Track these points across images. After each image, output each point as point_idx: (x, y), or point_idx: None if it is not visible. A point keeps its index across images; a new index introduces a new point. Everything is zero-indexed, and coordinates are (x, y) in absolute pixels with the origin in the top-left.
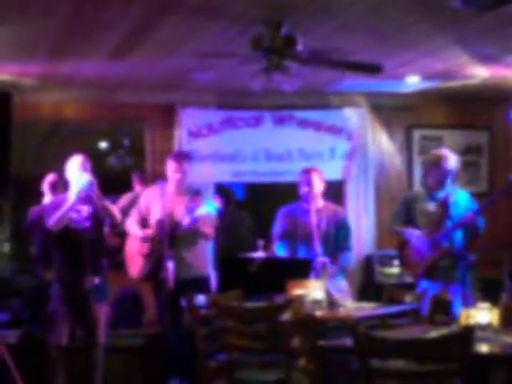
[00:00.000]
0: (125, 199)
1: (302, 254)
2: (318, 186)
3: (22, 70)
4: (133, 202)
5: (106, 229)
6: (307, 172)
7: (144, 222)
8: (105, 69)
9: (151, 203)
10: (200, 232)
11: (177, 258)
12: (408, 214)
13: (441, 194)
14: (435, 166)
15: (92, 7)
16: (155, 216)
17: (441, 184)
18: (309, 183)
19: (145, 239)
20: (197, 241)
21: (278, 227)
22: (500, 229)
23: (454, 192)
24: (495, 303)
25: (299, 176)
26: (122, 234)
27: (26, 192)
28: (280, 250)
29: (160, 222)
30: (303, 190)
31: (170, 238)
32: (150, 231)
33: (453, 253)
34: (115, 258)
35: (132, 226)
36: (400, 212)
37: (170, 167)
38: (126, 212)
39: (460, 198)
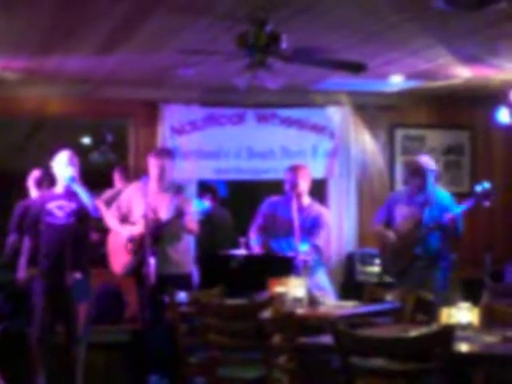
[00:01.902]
0: (107, 195)
1: (280, 248)
2: (303, 185)
3: (6, 64)
4: (114, 198)
5: (90, 224)
6: (293, 170)
7: (123, 218)
8: (89, 64)
9: (133, 200)
10: (185, 227)
11: (160, 254)
12: (389, 214)
13: (420, 198)
14: (415, 172)
15: (78, 3)
16: (137, 213)
17: (421, 188)
18: (293, 181)
19: (131, 239)
20: (181, 237)
21: (257, 220)
22: (481, 229)
23: (434, 193)
24: (476, 303)
25: (285, 173)
26: (102, 230)
27: (9, 187)
28: (254, 244)
29: (143, 218)
30: (287, 187)
31: (154, 234)
32: (135, 232)
33: (427, 255)
34: (96, 253)
35: (112, 221)
36: (382, 212)
37: (151, 163)
38: (107, 207)
39: (440, 200)
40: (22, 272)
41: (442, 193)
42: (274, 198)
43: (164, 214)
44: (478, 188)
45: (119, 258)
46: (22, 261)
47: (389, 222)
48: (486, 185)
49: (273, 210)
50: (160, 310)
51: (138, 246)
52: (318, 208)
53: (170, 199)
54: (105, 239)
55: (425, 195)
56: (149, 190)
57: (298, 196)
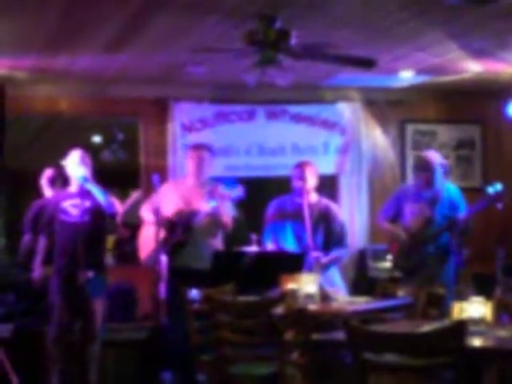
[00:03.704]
0: (136, 194)
1: (291, 245)
2: (311, 181)
3: (15, 63)
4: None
5: (118, 218)
6: (300, 166)
7: (155, 213)
8: (99, 63)
9: (165, 196)
10: (219, 221)
11: (194, 248)
12: (397, 210)
13: (429, 194)
14: (422, 168)
15: (86, 1)
16: (168, 208)
17: (429, 184)
18: (302, 177)
19: (159, 223)
20: (215, 232)
21: (269, 212)
22: (494, 224)
23: (443, 189)
24: (489, 297)
25: (292, 170)
26: (132, 226)
27: (19, 186)
28: (268, 233)
29: (155, 210)
30: (296, 184)
31: (187, 226)
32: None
33: (438, 252)
34: (124, 249)
35: (146, 213)
36: (390, 207)
37: (189, 156)
38: (138, 205)
39: (449, 196)
40: (38, 271)
41: (451, 188)
42: (281, 198)
43: (199, 206)
44: (490, 190)
45: (147, 249)
46: (38, 260)
47: (397, 218)
48: (498, 186)
49: (281, 209)
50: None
51: (167, 236)
52: (326, 203)
53: (206, 195)
54: (134, 234)
55: (433, 191)
56: (185, 185)
57: (306, 192)
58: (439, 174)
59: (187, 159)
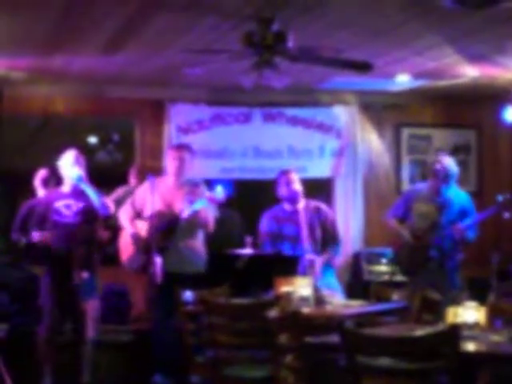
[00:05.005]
0: (120, 191)
1: (288, 253)
2: (299, 187)
3: (12, 63)
4: (127, 195)
5: (99, 222)
6: (288, 173)
7: (137, 215)
8: (96, 64)
9: (147, 197)
10: (201, 223)
11: (175, 252)
12: (406, 210)
13: (441, 198)
14: (432, 174)
15: (84, 2)
16: (149, 210)
17: (439, 188)
18: (295, 182)
19: (135, 237)
20: (196, 234)
21: (264, 227)
22: (488, 229)
23: (453, 195)
24: (483, 302)
25: (280, 178)
26: (113, 228)
27: (15, 186)
28: (266, 248)
29: (151, 217)
30: (287, 189)
31: (168, 230)
32: (140, 230)
33: (441, 256)
34: (106, 251)
35: (124, 219)
36: (400, 206)
37: (170, 156)
38: (119, 203)
39: (458, 202)
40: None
41: (462, 195)
42: (273, 209)
43: (179, 209)
44: (500, 198)
45: (127, 252)
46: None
47: (405, 217)
48: (509, 195)
49: (276, 218)
50: (170, 309)
51: (143, 245)
52: (314, 204)
53: (187, 196)
54: (115, 237)
55: (445, 196)
56: (165, 185)
57: (301, 197)
58: (450, 181)
59: (168, 159)
